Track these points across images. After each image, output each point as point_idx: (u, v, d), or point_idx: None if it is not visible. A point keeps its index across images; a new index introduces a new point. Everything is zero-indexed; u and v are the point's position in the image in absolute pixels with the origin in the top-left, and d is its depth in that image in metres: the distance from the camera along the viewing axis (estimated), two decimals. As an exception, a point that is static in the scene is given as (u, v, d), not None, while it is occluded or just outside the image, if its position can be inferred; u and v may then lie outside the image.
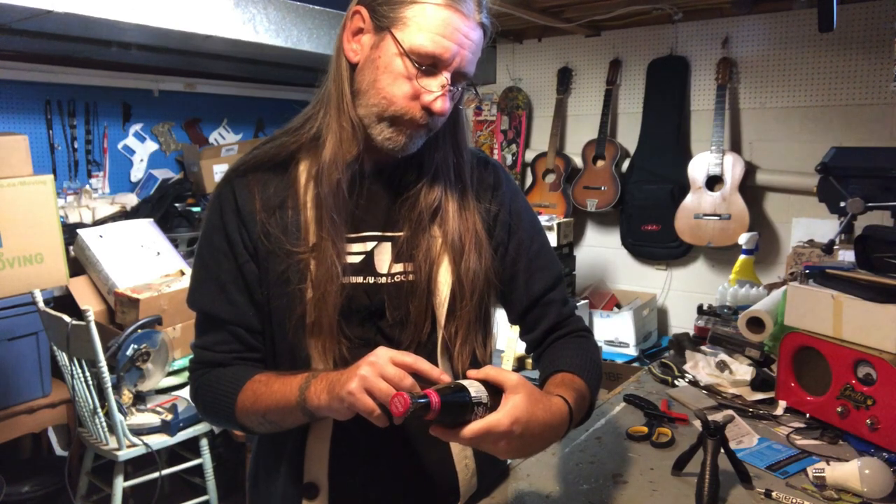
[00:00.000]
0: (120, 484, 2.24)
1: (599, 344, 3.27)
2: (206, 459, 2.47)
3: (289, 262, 0.96)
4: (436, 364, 1.01)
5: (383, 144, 0.95)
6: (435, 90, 0.92)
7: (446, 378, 0.84)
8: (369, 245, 1.01)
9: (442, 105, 0.92)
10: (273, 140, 1.02)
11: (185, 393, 2.55)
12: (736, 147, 3.27)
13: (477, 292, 1.02)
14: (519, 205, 1.12)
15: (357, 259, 1.00)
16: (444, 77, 0.92)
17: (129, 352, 2.36)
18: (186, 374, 2.62)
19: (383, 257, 1.01)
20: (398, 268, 1.01)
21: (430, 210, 1.01)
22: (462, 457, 1.04)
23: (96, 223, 3.00)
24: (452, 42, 0.90)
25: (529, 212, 1.15)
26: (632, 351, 3.25)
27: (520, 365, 2.48)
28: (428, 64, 0.91)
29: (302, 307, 0.95)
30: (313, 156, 0.99)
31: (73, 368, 2.24)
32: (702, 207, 3.21)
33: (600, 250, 3.77)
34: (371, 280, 1.00)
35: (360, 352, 0.96)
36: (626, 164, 3.54)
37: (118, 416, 2.20)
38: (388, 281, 1.00)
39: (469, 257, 1.01)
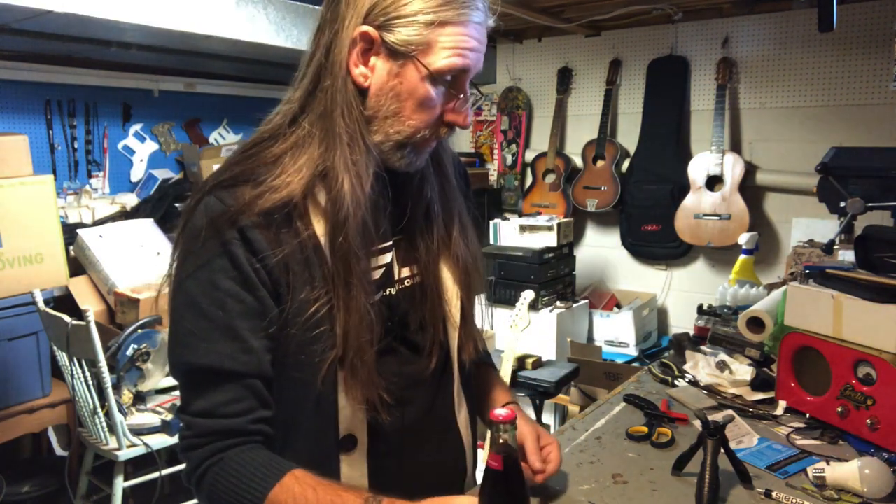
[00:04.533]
0: (120, 484, 2.24)
1: (599, 344, 3.29)
2: None
3: (315, 302, 0.87)
4: (451, 360, 1.03)
5: (401, 168, 0.93)
6: (461, 107, 0.92)
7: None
8: (388, 256, 0.98)
9: (470, 120, 0.93)
10: (260, 177, 0.88)
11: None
12: (736, 147, 3.27)
13: (476, 284, 1.04)
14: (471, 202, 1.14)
15: (378, 274, 0.96)
16: (467, 90, 0.92)
17: (129, 352, 2.36)
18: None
19: (395, 264, 1.00)
20: (405, 272, 1.00)
21: (423, 209, 1.00)
22: (466, 435, 1.08)
23: (96, 223, 3.00)
24: (472, 52, 0.89)
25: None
26: (632, 351, 3.25)
27: (520, 365, 2.49)
28: (454, 78, 0.90)
29: (335, 353, 0.88)
30: (322, 188, 0.90)
31: (73, 368, 2.24)
32: (702, 207, 3.21)
33: (600, 250, 3.77)
34: (391, 291, 0.98)
35: (388, 361, 0.95)
36: (626, 164, 3.54)
37: (118, 416, 2.20)
38: (400, 287, 1.00)
39: (461, 248, 1.02)
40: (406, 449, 0.99)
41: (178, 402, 2.45)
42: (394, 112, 0.89)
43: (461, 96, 0.91)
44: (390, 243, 0.99)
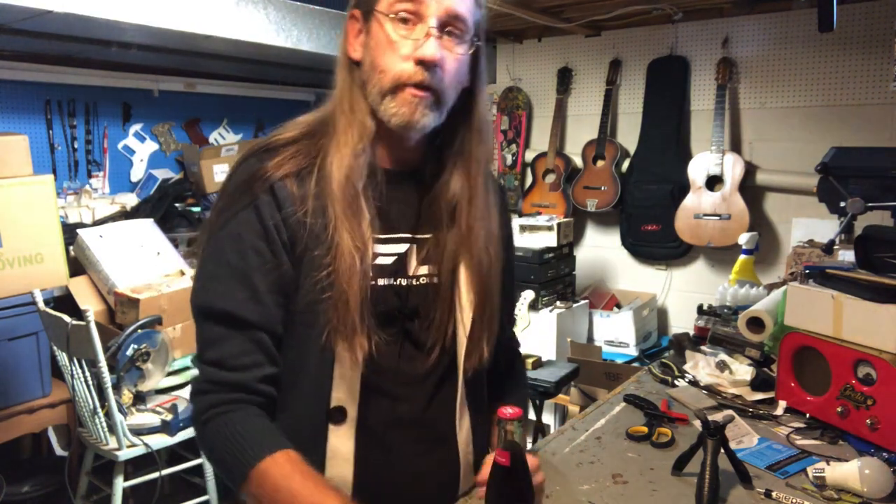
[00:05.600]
0: (120, 484, 2.24)
1: (599, 344, 3.28)
2: (206, 459, 2.47)
3: (325, 262, 0.92)
4: (456, 366, 1.03)
5: (391, 121, 0.93)
6: (419, 38, 0.90)
7: None
8: (403, 247, 1.01)
9: (432, 50, 0.89)
10: (294, 142, 0.97)
11: (185, 393, 2.55)
12: (736, 147, 3.27)
13: (494, 293, 1.03)
14: (510, 224, 1.17)
15: (389, 260, 0.99)
16: (428, 22, 0.90)
17: (129, 352, 2.36)
18: (187, 374, 2.63)
19: (412, 259, 1.01)
20: (423, 270, 1.01)
21: (449, 208, 1.00)
22: (466, 452, 1.06)
23: (96, 223, 3.00)
24: None
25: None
26: (632, 351, 3.25)
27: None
28: (408, 13, 0.90)
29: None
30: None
31: (73, 368, 2.24)
32: (702, 207, 3.21)
33: (600, 250, 3.77)
34: (402, 282, 1.00)
35: (389, 351, 0.97)
36: (626, 164, 3.54)
37: (118, 416, 2.20)
38: (415, 283, 1.01)
39: (483, 256, 1.02)
40: (395, 443, 1.00)
41: (177, 402, 2.46)
42: (371, 66, 0.94)
43: (417, 27, 0.91)
44: (407, 235, 1.01)
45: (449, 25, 0.92)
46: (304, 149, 0.96)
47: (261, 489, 0.87)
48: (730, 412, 1.30)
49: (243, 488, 0.89)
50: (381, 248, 0.98)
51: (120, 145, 3.54)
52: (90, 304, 2.25)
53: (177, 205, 3.38)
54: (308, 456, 0.91)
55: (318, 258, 0.92)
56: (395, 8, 0.91)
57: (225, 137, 4.01)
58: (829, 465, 1.12)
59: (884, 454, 1.17)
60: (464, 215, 1.00)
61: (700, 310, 1.91)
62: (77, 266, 2.76)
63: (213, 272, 0.94)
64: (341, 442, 0.96)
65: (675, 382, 1.59)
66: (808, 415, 1.36)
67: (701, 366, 1.62)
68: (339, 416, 0.96)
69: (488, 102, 4.07)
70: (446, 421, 1.04)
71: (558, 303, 3.23)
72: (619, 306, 3.54)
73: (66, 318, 2.19)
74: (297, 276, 0.94)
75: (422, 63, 0.90)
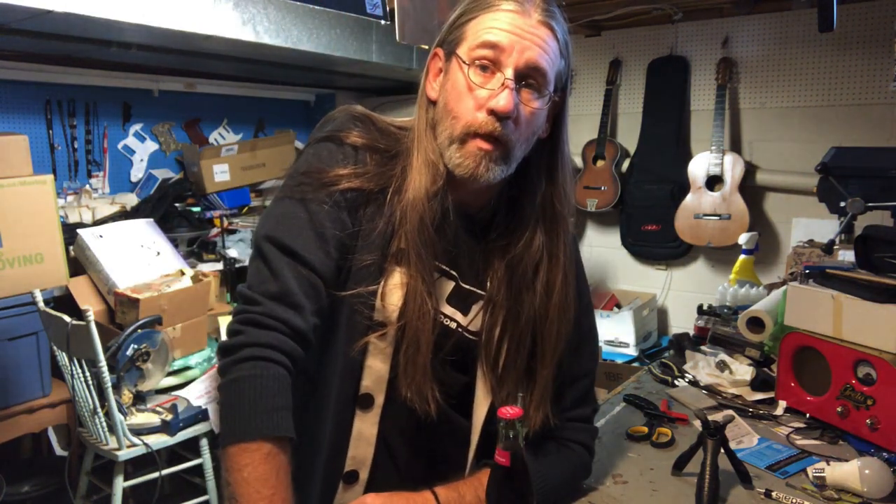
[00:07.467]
0: (120, 484, 2.24)
1: (599, 344, 3.27)
2: (206, 459, 2.47)
3: (370, 273, 0.94)
4: (470, 413, 1.01)
5: (455, 170, 0.92)
6: (494, 88, 0.89)
7: None
8: (434, 275, 1.00)
9: (505, 102, 0.88)
10: (376, 151, 0.98)
11: (186, 393, 2.55)
12: (736, 147, 3.27)
13: (555, 357, 1.00)
14: (589, 291, 1.12)
15: None
16: (505, 73, 0.89)
17: (129, 352, 2.36)
18: (187, 374, 2.63)
19: (439, 293, 1.00)
20: (447, 310, 1.00)
21: (518, 270, 0.98)
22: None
23: (96, 223, 3.00)
24: (508, 33, 0.89)
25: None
26: (632, 351, 3.25)
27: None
28: (487, 61, 0.89)
29: (372, 327, 0.95)
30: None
31: (73, 368, 2.24)
32: (702, 207, 3.21)
33: (600, 250, 3.77)
34: None
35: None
36: (626, 164, 3.54)
37: (118, 416, 2.20)
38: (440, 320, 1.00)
39: (557, 319, 0.99)
40: (417, 445, 1.02)
41: (177, 402, 2.45)
42: (445, 109, 0.94)
43: (494, 77, 0.90)
44: (443, 267, 1.00)
45: (527, 77, 0.91)
46: (379, 170, 0.97)
47: (224, 465, 0.83)
48: (730, 412, 1.31)
49: (220, 449, 0.85)
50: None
51: (120, 145, 3.53)
52: (90, 304, 2.25)
53: (177, 205, 3.38)
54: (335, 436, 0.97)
55: (361, 269, 0.94)
56: (475, 55, 0.90)
57: (225, 137, 4.00)
58: (829, 465, 1.12)
59: (884, 454, 1.17)
60: (543, 276, 0.98)
61: (700, 310, 1.91)
62: (77, 266, 2.76)
63: (285, 210, 0.93)
64: (366, 425, 0.98)
65: (675, 382, 1.59)
66: (808, 415, 1.36)
67: (701, 366, 1.62)
68: (366, 402, 0.98)
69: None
70: (456, 457, 1.03)
71: (558, 303, 3.22)
72: (618, 306, 3.54)
73: (66, 318, 2.19)
74: (347, 270, 0.95)
75: (493, 113, 0.89)
